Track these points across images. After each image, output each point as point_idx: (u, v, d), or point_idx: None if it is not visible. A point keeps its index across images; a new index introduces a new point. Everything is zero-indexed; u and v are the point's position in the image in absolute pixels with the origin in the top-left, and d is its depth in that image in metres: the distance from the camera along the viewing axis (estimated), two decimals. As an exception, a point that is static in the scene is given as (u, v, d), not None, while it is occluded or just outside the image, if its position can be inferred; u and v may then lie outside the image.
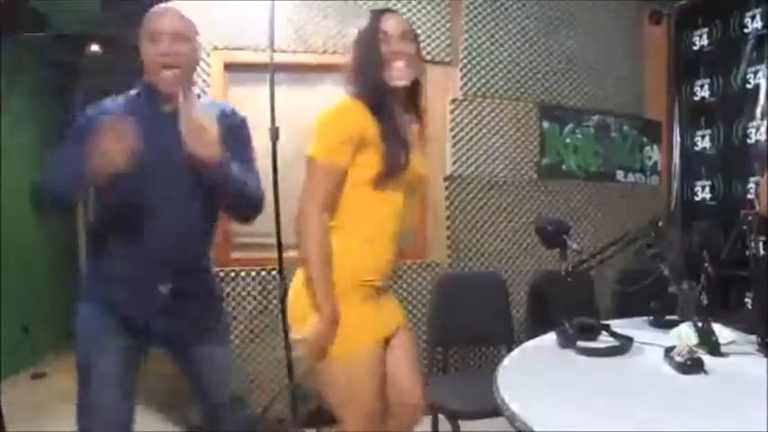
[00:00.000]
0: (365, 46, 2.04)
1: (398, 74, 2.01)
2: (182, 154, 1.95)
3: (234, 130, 2.22)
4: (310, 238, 1.91)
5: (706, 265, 2.42)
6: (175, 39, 2.05)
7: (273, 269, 3.62)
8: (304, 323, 1.95)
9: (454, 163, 4.12)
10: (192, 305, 2.24)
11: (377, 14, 2.08)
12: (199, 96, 2.27)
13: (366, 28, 2.06)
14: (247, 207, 2.26)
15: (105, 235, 2.13)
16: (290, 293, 2.09)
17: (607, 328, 2.29)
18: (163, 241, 2.10)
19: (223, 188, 2.10)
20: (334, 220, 1.98)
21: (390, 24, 2.03)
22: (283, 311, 3.53)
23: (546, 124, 4.36)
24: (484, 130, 4.18)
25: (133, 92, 2.17)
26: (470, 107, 4.15)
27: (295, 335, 2.03)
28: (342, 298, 1.93)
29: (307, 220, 1.92)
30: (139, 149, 1.85)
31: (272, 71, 3.45)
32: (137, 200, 2.05)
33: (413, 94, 2.14)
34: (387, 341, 2.10)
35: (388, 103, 2.01)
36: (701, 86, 4.63)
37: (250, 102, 3.67)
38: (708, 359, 1.88)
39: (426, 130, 3.95)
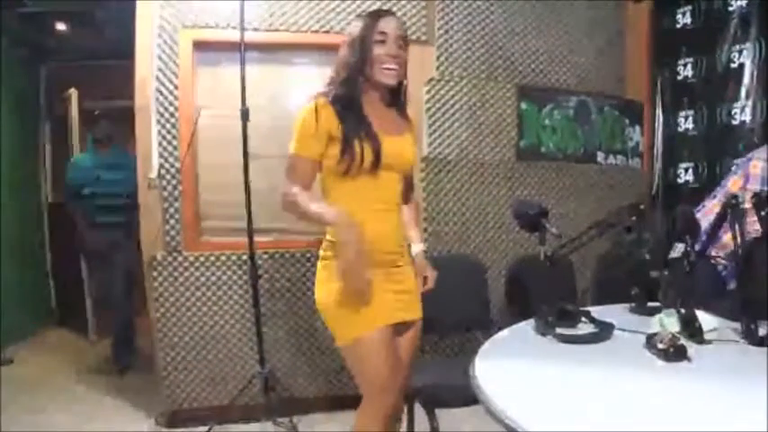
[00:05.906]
0: (361, 44, 2.19)
1: (389, 75, 2.20)
2: None
3: None
4: (294, 198, 2.15)
5: (688, 250, 2.37)
6: None
7: (244, 254, 3.56)
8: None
9: (430, 144, 4.05)
10: None
11: (375, 16, 2.23)
12: None
13: (363, 28, 2.20)
14: None
15: None
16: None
17: (587, 314, 2.27)
18: None
19: None
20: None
21: (389, 27, 2.20)
22: (255, 296, 3.47)
23: (524, 105, 4.28)
24: (461, 111, 4.10)
25: None
26: (447, 87, 4.06)
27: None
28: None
29: (286, 194, 2.17)
30: None
31: (242, 50, 3.37)
32: None
33: (397, 91, 2.33)
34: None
35: (357, 105, 2.21)
36: (684, 66, 4.59)
37: (220, 82, 3.64)
38: (691, 346, 1.85)
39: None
